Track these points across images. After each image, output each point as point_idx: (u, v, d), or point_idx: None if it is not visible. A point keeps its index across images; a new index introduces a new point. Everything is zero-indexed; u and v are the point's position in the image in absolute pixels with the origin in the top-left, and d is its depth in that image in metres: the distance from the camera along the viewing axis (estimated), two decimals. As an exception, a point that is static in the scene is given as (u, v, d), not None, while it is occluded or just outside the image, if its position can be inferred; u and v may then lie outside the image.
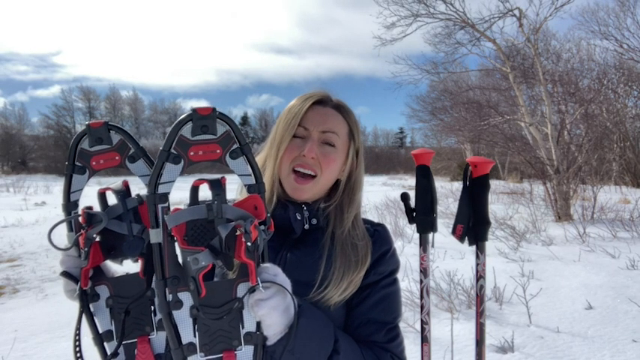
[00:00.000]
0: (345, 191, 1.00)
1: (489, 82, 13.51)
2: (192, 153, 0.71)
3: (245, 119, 64.45)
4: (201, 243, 0.70)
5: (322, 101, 0.98)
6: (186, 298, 0.70)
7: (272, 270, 0.73)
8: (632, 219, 7.53)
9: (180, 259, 0.70)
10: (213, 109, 0.70)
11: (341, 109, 0.99)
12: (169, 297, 0.70)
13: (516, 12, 9.98)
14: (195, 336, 0.71)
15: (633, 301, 3.84)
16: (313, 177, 0.95)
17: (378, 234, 1.00)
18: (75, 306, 0.80)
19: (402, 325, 1.00)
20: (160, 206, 0.70)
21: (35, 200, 14.14)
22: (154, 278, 0.75)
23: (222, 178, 0.71)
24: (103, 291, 0.79)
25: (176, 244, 0.71)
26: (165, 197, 0.71)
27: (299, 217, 0.96)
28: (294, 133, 0.95)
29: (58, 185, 20.16)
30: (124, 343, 0.78)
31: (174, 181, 0.71)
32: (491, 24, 10.36)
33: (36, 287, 5.13)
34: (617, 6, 16.77)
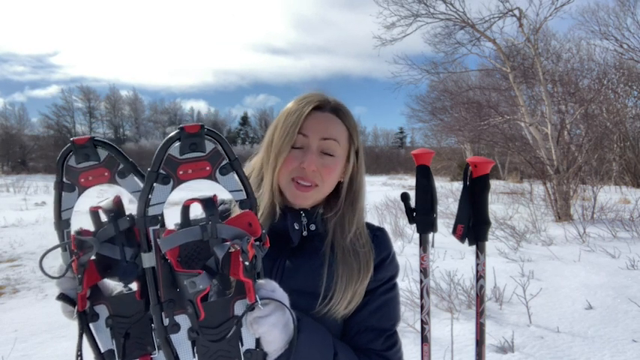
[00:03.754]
0: (347, 199, 0.97)
1: (489, 82, 13.50)
2: (181, 172, 0.69)
3: (245, 119, 64.56)
4: (195, 263, 0.69)
5: (320, 106, 0.94)
6: (183, 320, 0.69)
7: (269, 286, 0.72)
8: (632, 219, 7.53)
9: (175, 282, 0.69)
10: (202, 127, 0.68)
11: (339, 113, 0.96)
12: (166, 321, 0.69)
13: (516, 12, 9.98)
14: (194, 358, 0.70)
15: (633, 301, 3.84)
16: (315, 185, 0.93)
17: (377, 239, 0.99)
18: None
19: (402, 325, 1.01)
20: (151, 229, 0.68)
21: (35, 200, 14.14)
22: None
23: (214, 195, 0.70)
24: (102, 311, 0.78)
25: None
26: (155, 219, 0.69)
27: (297, 227, 0.94)
28: (294, 143, 0.91)
29: (58, 185, 20.10)
30: None
31: (164, 202, 0.70)
32: (491, 24, 10.36)
33: (36, 287, 5.14)
34: (617, 6, 16.80)
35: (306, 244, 0.95)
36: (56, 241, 0.78)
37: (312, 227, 0.96)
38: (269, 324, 0.69)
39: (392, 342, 0.94)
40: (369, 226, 1.02)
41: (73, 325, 0.77)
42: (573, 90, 10.41)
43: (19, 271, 5.89)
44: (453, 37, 11.37)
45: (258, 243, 0.69)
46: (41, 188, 18.46)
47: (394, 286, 0.98)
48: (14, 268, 6.03)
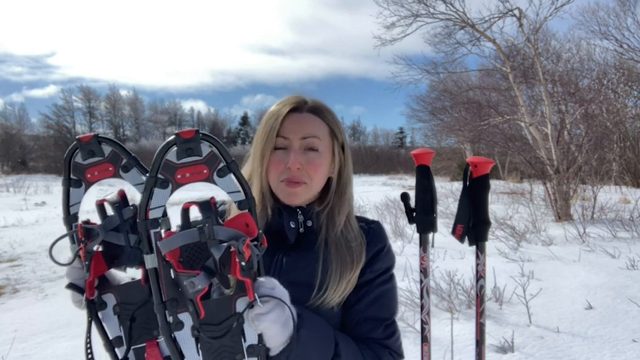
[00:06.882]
0: (336, 192, 1.00)
1: (489, 82, 13.51)
2: (179, 176, 0.72)
3: (245, 119, 64.67)
4: (196, 264, 0.71)
5: (297, 107, 0.96)
6: (186, 318, 0.72)
7: (269, 284, 0.74)
8: (632, 219, 7.52)
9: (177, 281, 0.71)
10: (197, 131, 0.70)
11: (317, 111, 0.97)
12: (170, 319, 0.71)
13: (516, 12, 9.98)
14: (199, 354, 0.72)
15: (633, 301, 3.84)
16: (304, 183, 0.95)
17: (372, 232, 1.00)
18: (75, 309, 0.83)
19: (402, 325, 1.01)
20: (152, 232, 0.71)
21: (35, 200, 14.14)
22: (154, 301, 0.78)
23: (212, 198, 0.72)
24: (110, 299, 0.81)
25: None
26: (156, 222, 0.71)
27: (293, 226, 0.97)
28: (275, 145, 0.94)
29: (57, 185, 20.16)
30: (133, 347, 0.81)
31: (164, 206, 0.72)
32: (491, 24, 10.36)
33: (36, 287, 5.13)
34: (618, 6, 16.80)
35: (302, 240, 0.97)
36: (64, 248, 0.81)
37: (309, 224, 0.98)
38: (269, 320, 0.71)
39: (391, 331, 0.96)
40: (365, 220, 1.04)
41: (73, 325, 0.79)
42: (573, 90, 10.40)
43: (19, 271, 5.88)
44: (453, 37, 11.38)
45: (255, 243, 0.71)
46: (41, 188, 18.46)
47: (391, 278, 1.00)
48: (14, 268, 6.03)
